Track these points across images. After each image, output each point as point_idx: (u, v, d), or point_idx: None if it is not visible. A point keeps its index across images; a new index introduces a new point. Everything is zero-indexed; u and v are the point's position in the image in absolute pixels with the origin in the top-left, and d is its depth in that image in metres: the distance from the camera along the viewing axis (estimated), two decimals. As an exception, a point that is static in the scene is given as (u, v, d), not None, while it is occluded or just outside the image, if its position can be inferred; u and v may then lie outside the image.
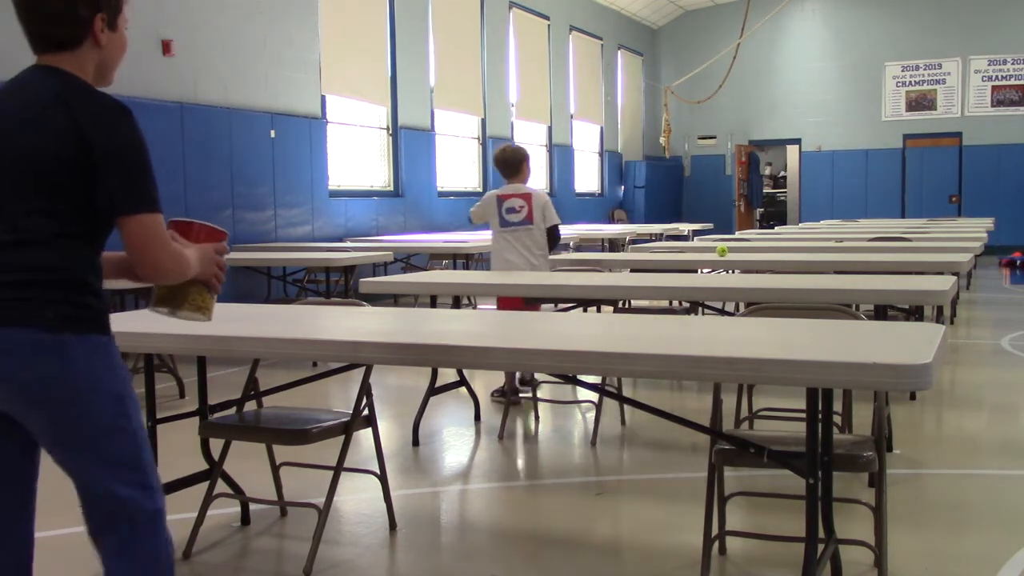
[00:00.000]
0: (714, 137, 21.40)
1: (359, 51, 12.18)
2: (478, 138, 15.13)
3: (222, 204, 9.61)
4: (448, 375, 5.40)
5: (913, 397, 5.73)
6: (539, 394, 5.59)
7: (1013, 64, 18.90)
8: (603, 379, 4.79)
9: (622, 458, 4.85)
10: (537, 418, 5.53)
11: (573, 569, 3.32)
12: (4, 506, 2.06)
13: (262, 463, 3.78)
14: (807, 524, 2.53)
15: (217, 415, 3.53)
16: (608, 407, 5.35)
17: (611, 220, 19.18)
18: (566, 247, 10.75)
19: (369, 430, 3.55)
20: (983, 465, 4.55)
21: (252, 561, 3.46)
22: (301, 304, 3.94)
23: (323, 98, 11.25)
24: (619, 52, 20.27)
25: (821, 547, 2.65)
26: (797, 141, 20.84)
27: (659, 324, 3.26)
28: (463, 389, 5.45)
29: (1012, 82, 18.97)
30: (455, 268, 10.55)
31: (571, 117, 18.08)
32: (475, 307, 8.98)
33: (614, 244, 12.15)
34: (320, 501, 3.37)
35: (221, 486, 3.54)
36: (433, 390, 5.14)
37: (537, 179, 16.57)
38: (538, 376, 5.54)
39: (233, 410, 3.60)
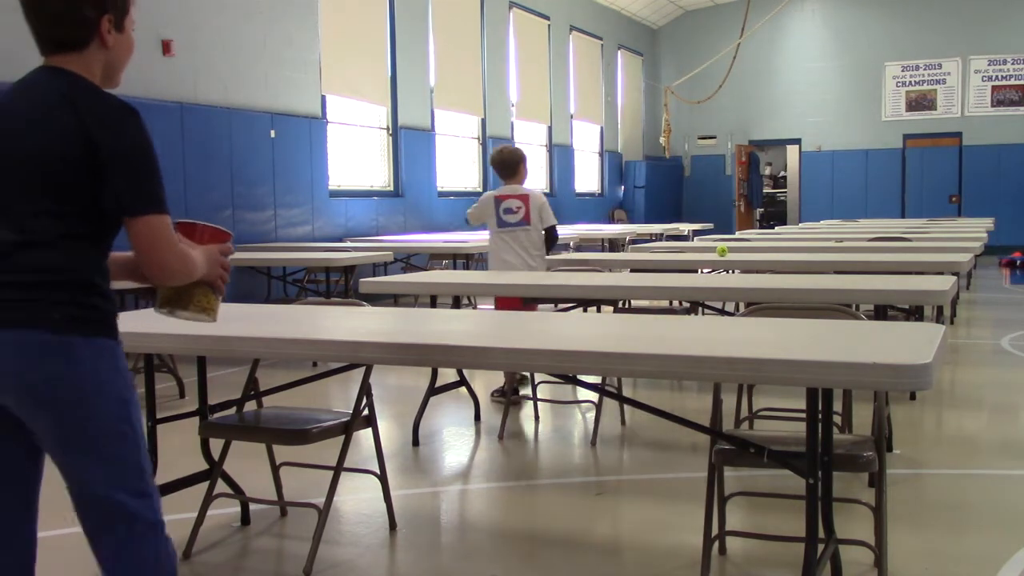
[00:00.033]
0: (714, 137, 21.40)
1: (359, 51, 12.18)
2: (478, 138, 15.13)
3: (222, 204, 9.61)
4: (448, 375, 5.40)
5: (913, 397, 5.73)
6: (539, 394, 5.59)
7: (1013, 64, 18.91)
8: (603, 379, 4.79)
9: (622, 458, 4.85)
10: (537, 418, 5.53)
11: (573, 569, 3.33)
12: (9, 508, 2.07)
13: (262, 463, 3.78)
14: (807, 524, 2.53)
15: (217, 415, 3.53)
16: (608, 407, 5.35)
17: (611, 220, 19.18)
18: (566, 247, 10.75)
19: (369, 430, 3.55)
20: (983, 465, 4.55)
21: (252, 561, 3.47)
22: (301, 304, 3.94)
23: (323, 98, 11.26)
24: (619, 52, 20.27)
25: (821, 547, 2.65)
26: (797, 141, 20.85)
27: (659, 324, 3.27)
28: (463, 389, 5.45)
29: (1012, 82, 18.97)
30: (455, 268, 10.55)
31: (571, 117, 18.07)
32: (475, 307, 8.98)
33: (614, 244, 12.15)
34: (320, 501, 3.37)
35: (221, 486, 3.54)
36: (433, 390, 5.14)
37: (537, 179, 16.57)
38: (538, 376, 5.53)
39: (233, 410, 3.60)
